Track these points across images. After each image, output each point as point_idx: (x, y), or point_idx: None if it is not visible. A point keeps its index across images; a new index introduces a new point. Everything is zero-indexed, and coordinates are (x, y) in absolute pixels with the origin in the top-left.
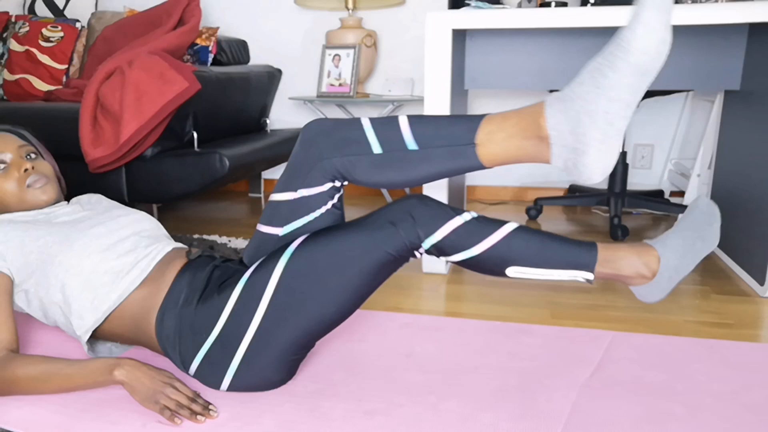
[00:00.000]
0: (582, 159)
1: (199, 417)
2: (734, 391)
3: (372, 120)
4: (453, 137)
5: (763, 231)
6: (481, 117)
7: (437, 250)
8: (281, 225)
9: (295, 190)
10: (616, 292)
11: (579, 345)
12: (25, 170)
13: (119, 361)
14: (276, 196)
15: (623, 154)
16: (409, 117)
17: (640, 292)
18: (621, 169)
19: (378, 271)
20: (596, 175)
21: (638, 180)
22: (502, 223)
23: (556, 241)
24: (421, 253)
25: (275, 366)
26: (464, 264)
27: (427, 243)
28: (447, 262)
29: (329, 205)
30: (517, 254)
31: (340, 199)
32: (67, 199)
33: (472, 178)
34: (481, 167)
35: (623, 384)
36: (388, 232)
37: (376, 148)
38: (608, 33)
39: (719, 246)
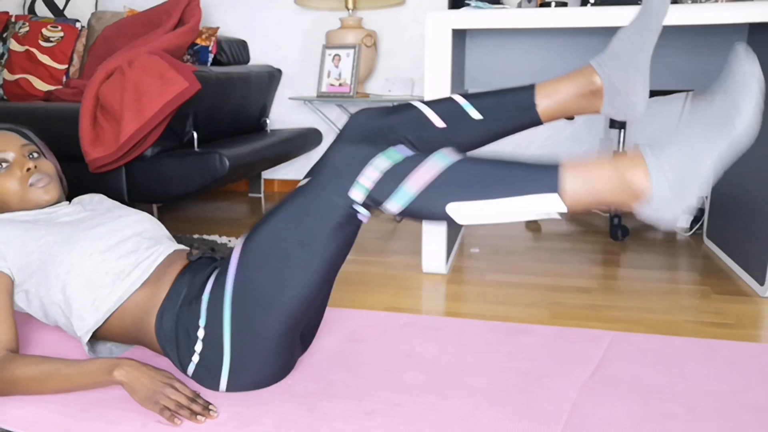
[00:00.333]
0: (631, 99)
1: (199, 417)
2: (734, 391)
3: (425, 102)
4: (513, 103)
5: (763, 231)
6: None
7: (372, 201)
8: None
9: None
10: (616, 292)
11: (579, 345)
12: (28, 169)
13: (119, 362)
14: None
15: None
16: (463, 94)
17: (648, 216)
18: None
19: (330, 245)
20: (642, 106)
21: None
22: (434, 156)
23: (502, 164)
24: (359, 210)
25: (267, 360)
26: (404, 215)
27: (355, 194)
28: (390, 214)
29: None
30: (454, 190)
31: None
32: (69, 199)
33: None
34: (540, 123)
35: (623, 384)
36: (319, 200)
37: (439, 123)
38: (608, 33)
39: (719, 245)
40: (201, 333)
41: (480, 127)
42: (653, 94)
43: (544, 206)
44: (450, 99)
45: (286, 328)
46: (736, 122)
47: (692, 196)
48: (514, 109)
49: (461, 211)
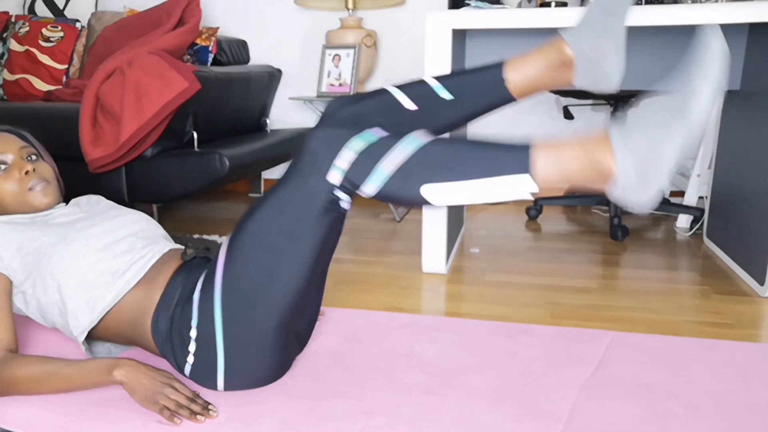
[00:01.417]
0: (603, 67)
1: (198, 417)
2: (734, 391)
3: (397, 85)
4: (483, 81)
5: (763, 231)
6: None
7: (350, 185)
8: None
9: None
10: (616, 292)
11: (579, 345)
12: (26, 172)
13: (118, 362)
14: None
15: None
16: (435, 76)
17: (619, 198)
18: None
19: (316, 233)
20: (617, 76)
21: None
22: (407, 137)
23: (472, 145)
24: (339, 196)
25: (262, 357)
26: (379, 198)
27: (333, 177)
28: (368, 197)
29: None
30: (427, 173)
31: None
32: (66, 200)
33: None
34: (512, 100)
35: (623, 384)
36: (299, 187)
37: (411, 106)
38: None
39: (719, 245)
40: (193, 333)
41: (452, 107)
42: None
43: (517, 187)
44: (422, 81)
45: (278, 322)
46: (691, 109)
47: (657, 181)
48: (484, 88)
49: (435, 192)
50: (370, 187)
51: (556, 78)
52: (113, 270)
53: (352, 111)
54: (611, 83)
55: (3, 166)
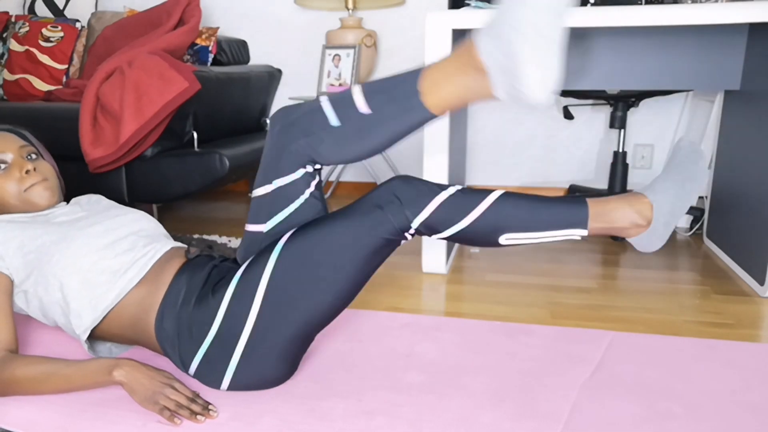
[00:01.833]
0: (520, 79)
1: (198, 417)
2: (734, 391)
3: (330, 95)
4: (399, 92)
5: (763, 231)
6: (420, 68)
7: (426, 228)
8: (264, 221)
9: (270, 182)
10: (616, 292)
11: (579, 345)
12: (27, 171)
13: (118, 362)
14: (255, 192)
15: (623, 154)
16: (363, 84)
17: (638, 242)
18: (621, 169)
19: (370, 257)
20: (538, 92)
21: (638, 180)
22: (488, 192)
23: (545, 202)
24: (412, 234)
25: (274, 362)
26: (456, 239)
27: (416, 222)
28: (439, 239)
29: (307, 194)
30: (507, 221)
31: (318, 187)
32: (67, 199)
33: (472, 179)
34: (432, 116)
35: (623, 384)
36: (375, 217)
37: (334, 121)
38: (608, 33)
39: (719, 245)
40: (215, 329)
41: (369, 123)
42: (653, 94)
43: (574, 234)
44: (348, 92)
45: (303, 336)
46: (700, 166)
47: (669, 232)
48: (403, 108)
49: (511, 239)
50: (446, 233)
51: (473, 88)
52: (115, 269)
53: (289, 120)
54: (534, 99)
55: (3, 165)
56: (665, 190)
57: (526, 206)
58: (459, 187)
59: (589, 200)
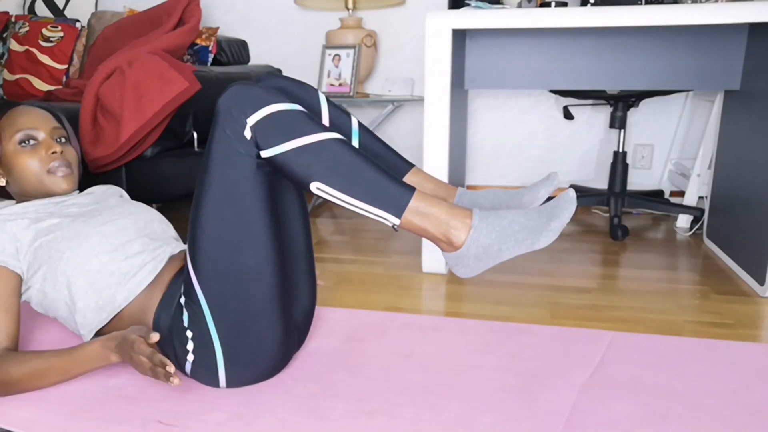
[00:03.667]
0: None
1: (172, 380)
2: (734, 391)
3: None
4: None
5: (763, 231)
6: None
7: (257, 141)
8: None
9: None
10: (616, 292)
11: (579, 345)
12: (53, 152)
13: (110, 347)
14: None
15: (623, 154)
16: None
17: (449, 259)
18: (621, 168)
19: (256, 188)
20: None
21: (638, 180)
22: (325, 128)
23: (372, 169)
24: (258, 147)
25: (259, 338)
26: (274, 163)
27: (251, 121)
28: (264, 158)
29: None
30: (325, 168)
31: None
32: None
33: (472, 179)
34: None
35: (623, 384)
36: (224, 147)
37: (326, 120)
38: (608, 33)
39: (719, 245)
40: (189, 332)
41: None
42: (653, 94)
43: (385, 218)
44: (348, 114)
45: (265, 298)
46: (542, 237)
47: (483, 268)
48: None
49: (320, 190)
50: (267, 152)
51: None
52: (124, 272)
53: (286, 88)
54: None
55: (32, 141)
56: (494, 225)
57: (352, 164)
58: (302, 109)
59: (419, 193)
